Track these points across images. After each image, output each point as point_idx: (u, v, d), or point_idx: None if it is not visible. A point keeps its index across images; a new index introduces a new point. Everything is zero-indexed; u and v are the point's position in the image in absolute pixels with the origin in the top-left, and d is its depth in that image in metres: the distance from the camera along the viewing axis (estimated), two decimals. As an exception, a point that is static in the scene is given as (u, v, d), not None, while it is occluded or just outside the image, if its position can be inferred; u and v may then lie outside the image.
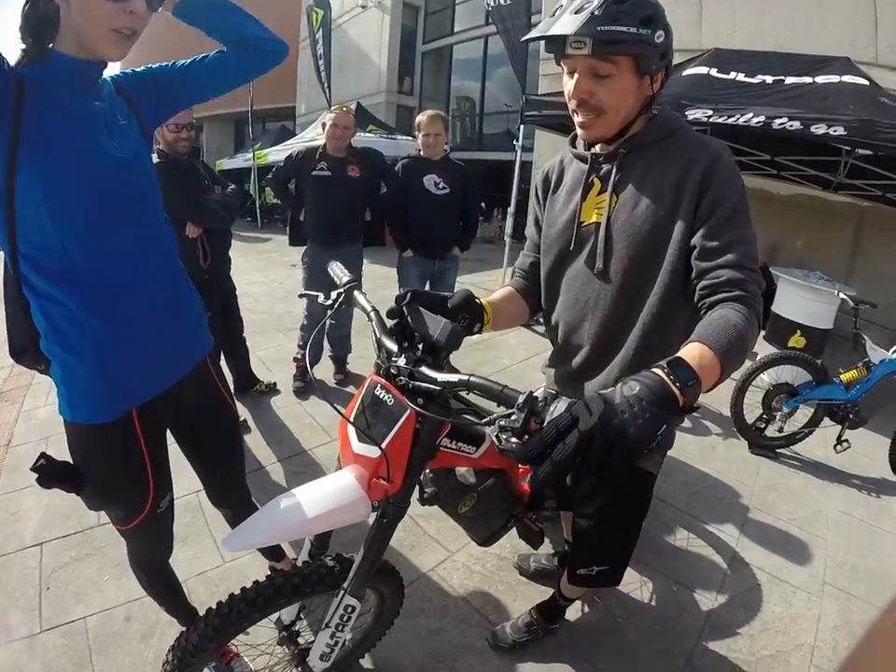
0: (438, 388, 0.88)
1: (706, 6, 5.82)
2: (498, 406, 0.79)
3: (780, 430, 3.05)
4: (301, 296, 1.37)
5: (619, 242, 1.04)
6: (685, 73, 4.02)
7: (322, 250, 2.99)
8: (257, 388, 3.11)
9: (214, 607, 1.01)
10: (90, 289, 0.96)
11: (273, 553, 1.67)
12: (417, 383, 0.91)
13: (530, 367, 3.96)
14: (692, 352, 0.76)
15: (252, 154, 10.11)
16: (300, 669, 1.24)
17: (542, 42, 0.96)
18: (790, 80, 3.46)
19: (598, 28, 0.85)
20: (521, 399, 0.71)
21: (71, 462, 1.06)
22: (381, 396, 0.98)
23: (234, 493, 1.47)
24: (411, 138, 10.39)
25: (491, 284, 6.15)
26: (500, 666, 1.58)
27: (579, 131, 1.05)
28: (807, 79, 3.43)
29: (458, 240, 3.20)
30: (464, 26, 12.33)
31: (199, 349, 1.22)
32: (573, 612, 1.76)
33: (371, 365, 3.40)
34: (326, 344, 3.32)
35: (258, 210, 10.17)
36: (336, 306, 1.14)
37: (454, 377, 0.85)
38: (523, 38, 1.03)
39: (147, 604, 1.59)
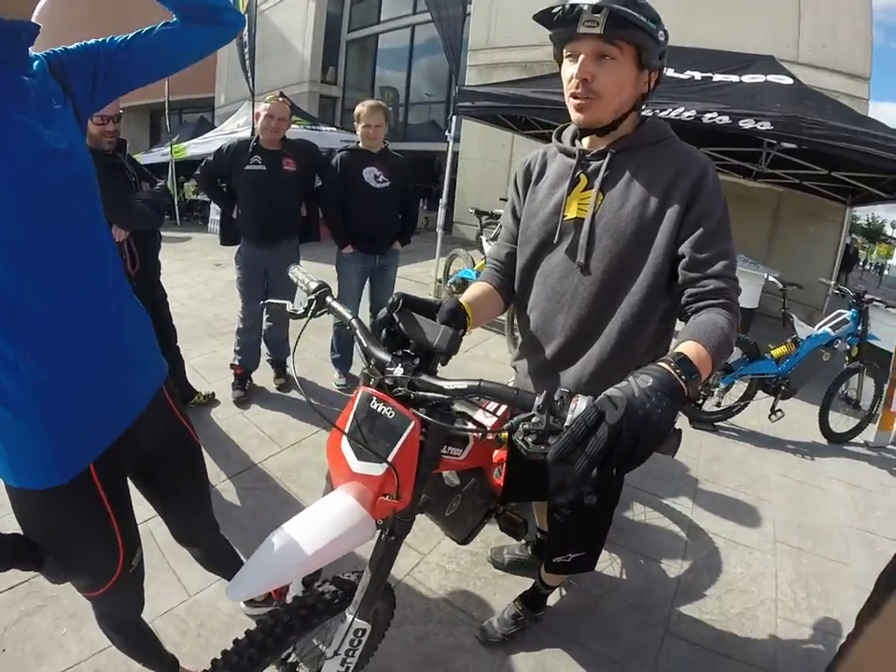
0: (446, 397, 0.85)
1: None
2: (515, 410, 0.78)
3: (718, 405, 3.28)
4: (264, 305, 1.25)
5: (602, 239, 1.06)
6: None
7: (257, 249, 2.82)
8: (195, 401, 2.87)
9: (220, 657, 0.91)
10: (24, 319, 0.78)
11: None
12: (420, 392, 0.87)
13: (471, 358, 4.00)
14: (690, 349, 0.82)
15: (170, 148, 9.37)
16: None
17: (550, 25, 0.98)
18: (717, 77, 3.70)
19: (615, 6, 0.89)
20: (538, 400, 0.71)
21: (21, 534, 0.89)
22: (378, 409, 0.91)
23: (204, 529, 1.32)
24: (334, 128, 10.11)
25: (423, 276, 6.08)
26: (494, 661, 1.58)
27: (573, 114, 1.05)
28: (734, 77, 3.69)
29: (399, 234, 3.11)
30: (390, 15, 12.16)
31: (156, 377, 1.06)
32: (553, 597, 1.79)
33: (310, 367, 3.23)
34: (263, 348, 3.14)
35: (176, 207, 9.47)
36: (310, 315, 1.06)
37: (462, 384, 0.83)
38: (535, 14, 1.01)
39: (114, 653, 1.41)
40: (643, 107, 1.09)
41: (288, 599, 1.04)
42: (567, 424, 0.68)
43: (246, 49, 7.99)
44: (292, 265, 1.20)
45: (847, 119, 3.37)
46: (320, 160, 3.05)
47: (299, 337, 1.05)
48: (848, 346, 3.25)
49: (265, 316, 3.02)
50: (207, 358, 3.55)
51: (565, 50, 1.00)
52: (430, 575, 1.86)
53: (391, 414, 0.89)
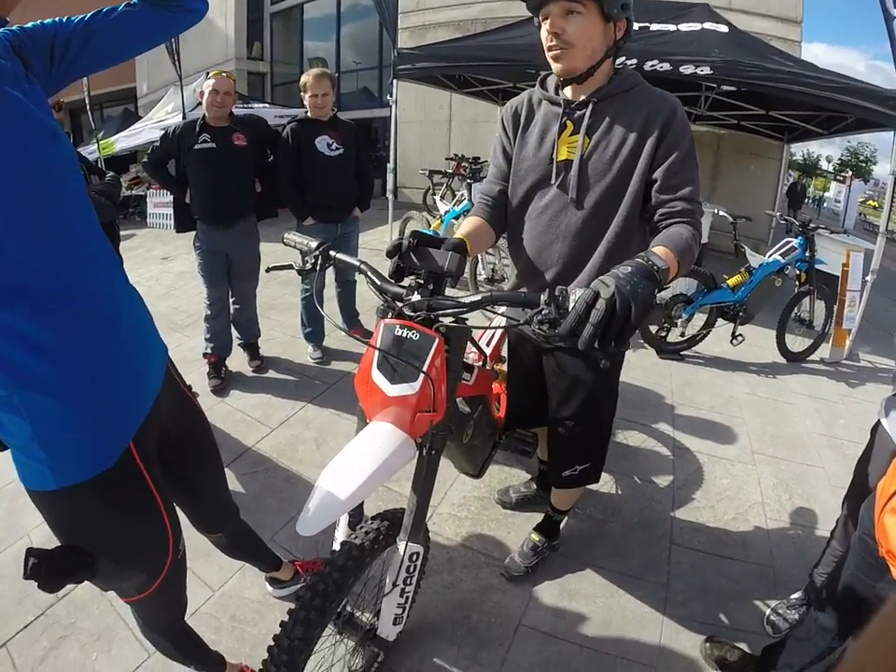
0: (465, 309, 0.96)
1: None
2: (523, 309, 0.93)
3: (682, 335, 3.48)
4: (269, 270, 1.25)
5: (592, 177, 1.21)
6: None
7: (215, 231, 2.71)
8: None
9: (300, 592, 0.96)
10: (46, 298, 0.74)
11: (268, 563, 1.53)
12: (438, 312, 0.98)
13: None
14: (658, 249, 0.99)
15: (97, 145, 8.69)
16: (371, 646, 1.21)
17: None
18: (654, 27, 3.78)
19: None
20: (543, 296, 0.84)
21: (65, 546, 0.84)
22: (403, 335, 0.99)
23: (226, 511, 1.29)
24: (266, 104, 9.69)
25: (377, 243, 5.99)
26: (523, 594, 1.66)
27: (553, 65, 1.18)
28: (671, 27, 3.77)
29: (358, 200, 3.06)
30: (314, -18, 11.58)
31: (162, 353, 1.04)
32: (563, 528, 1.87)
33: (281, 345, 3.19)
34: (233, 332, 3.05)
35: (112, 204, 8.82)
36: (319, 269, 1.13)
37: (477, 296, 0.96)
38: None
39: (149, 667, 1.38)
40: (618, 56, 1.23)
41: (336, 546, 1.06)
42: (570, 308, 0.81)
43: None
44: (285, 233, 1.25)
45: (781, 61, 3.53)
46: (270, 133, 2.93)
47: (312, 292, 1.11)
48: (798, 272, 3.50)
49: (231, 300, 2.94)
50: (176, 353, 3.34)
51: (540, 16, 1.15)
52: (444, 525, 1.92)
53: (416, 336, 0.97)
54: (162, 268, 5.67)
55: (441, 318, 1.01)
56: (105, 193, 2.11)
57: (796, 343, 3.62)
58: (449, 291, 1.10)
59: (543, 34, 1.16)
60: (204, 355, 2.96)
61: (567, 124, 1.23)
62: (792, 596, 1.63)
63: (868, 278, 3.57)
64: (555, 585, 1.69)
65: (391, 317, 1.02)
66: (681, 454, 2.41)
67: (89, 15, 0.90)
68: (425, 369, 0.94)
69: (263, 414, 2.61)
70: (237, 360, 3.08)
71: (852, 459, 2.47)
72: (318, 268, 1.13)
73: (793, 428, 2.73)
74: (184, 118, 7.09)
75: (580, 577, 1.73)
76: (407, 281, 1.08)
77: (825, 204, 24.51)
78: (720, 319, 3.47)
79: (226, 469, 2.15)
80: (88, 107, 8.86)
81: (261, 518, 1.87)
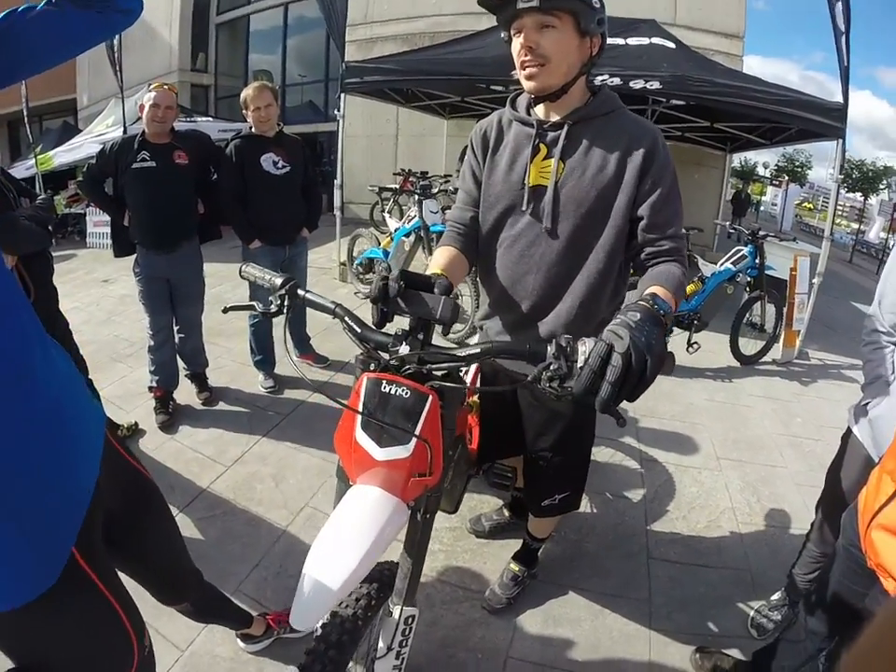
0: (462, 363, 0.88)
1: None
2: (528, 363, 0.83)
3: (638, 346, 3.52)
4: (226, 310, 1.11)
5: (567, 205, 1.14)
6: (503, 34, 4.21)
7: (155, 256, 2.53)
8: (118, 435, 2.56)
9: None
10: None
11: (238, 620, 1.41)
12: (431, 365, 0.88)
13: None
14: (657, 290, 0.94)
15: (35, 159, 8.15)
16: None
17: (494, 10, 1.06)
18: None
19: None
20: (551, 348, 0.78)
21: (17, 666, 0.74)
22: (390, 391, 0.87)
23: (189, 579, 1.17)
24: (210, 118, 9.38)
25: (323, 261, 5.84)
26: (507, 625, 1.60)
27: (525, 83, 1.11)
28: (620, 41, 3.88)
29: (307, 219, 2.93)
30: (262, -7, 11.37)
31: (98, 423, 0.89)
32: (539, 553, 1.82)
33: (230, 374, 3.00)
34: (179, 362, 2.84)
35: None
36: (287, 312, 0.99)
37: (475, 349, 0.87)
38: (479, 0, 1.06)
39: None
40: (591, 73, 1.18)
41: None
42: (579, 364, 0.75)
43: (115, 41, 7.06)
44: (242, 265, 1.11)
45: (728, 76, 3.71)
46: (213, 150, 2.76)
47: (286, 331, 1.01)
48: (749, 278, 3.63)
49: (175, 328, 2.75)
50: (119, 385, 3.16)
51: (512, 30, 1.08)
52: (418, 560, 1.83)
53: (406, 394, 0.86)
54: (103, 291, 5.33)
55: (433, 371, 0.91)
56: (36, 218, 1.93)
57: (749, 346, 3.75)
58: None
59: (515, 48, 1.09)
60: (150, 388, 2.75)
61: (541, 147, 1.16)
62: (773, 597, 1.68)
63: (815, 280, 3.76)
64: (539, 613, 1.65)
65: (375, 370, 0.91)
66: (650, 465, 2.42)
67: (3, 15, 0.76)
68: (418, 431, 0.85)
69: (216, 451, 2.44)
70: (185, 392, 2.88)
71: (813, 456, 2.62)
72: (285, 310, 0.99)
73: (753, 431, 2.80)
74: (125, 132, 6.75)
75: (562, 601, 1.69)
76: (392, 328, 0.97)
77: (762, 208, 25.97)
78: (675, 328, 3.54)
79: (181, 514, 2.05)
80: (26, 119, 8.33)
81: (224, 567, 1.74)
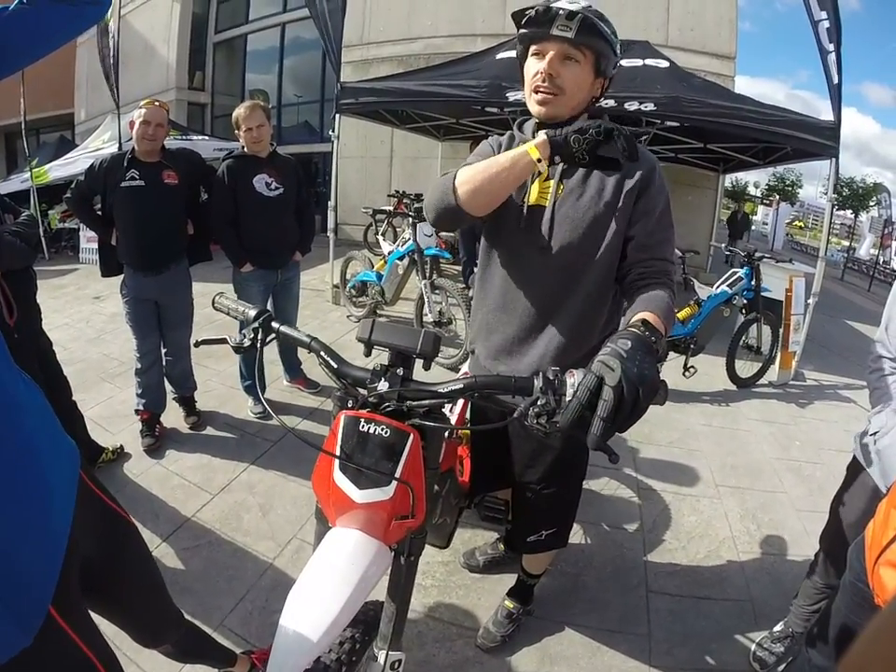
0: (444, 400, 0.84)
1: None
2: (514, 397, 0.81)
3: (634, 370, 3.48)
4: (198, 344, 1.07)
5: (563, 225, 1.14)
6: (498, 57, 4.22)
7: (143, 277, 2.48)
8: (102, 458, 2.47)
9: None
10: None
11: (221, 660, 1.34)
12: (413, 402, 0.84)
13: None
14: (648, 316, 0.93)
15: (30, 173, 8.15)
16: None
17: (524, 24, 1.07)
18: None
19: (589, 15, 1.01)
20: (538, 382, 0.76)
21: None
22: (369, 430, 0.83)
23: (170, 621, 1.12)
24: (206, 137, 9.45)
25: (317, 283, 5.81)
26: (501, 665, 1.54)
27: (535, 107, 1.12)
28: None
29: (299, 243, 2.89)
30: (259, 14, 11.58)
31: (72, 465, 0.83)
32: (535, 588, 1.77)
33: (218, 398, 2.91)
34: (167, 385, 2.79)
35: (42, 239, 8.27)
36: (260, 346, 0.95)
37: (458, 384, 0.83)
38: (512, 12, 1.08)
39: None
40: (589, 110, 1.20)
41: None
42: (568, 398, 0.72)
43: (111, 57, 7.14)
44: (216, 295, 1.07)
45: (721, 97, 3.72)
46: (205, 169, 2.73)
47: (258, 364, 0.95)
48: (745, 301, 3.61)
49: (163, 350, 2.69)
50: (106, 406, 3.10)
51: (532, 48, 1.09)
52: (410, 595, 1.77)
53: (386, 433, 0.83)
54: (94, 308, 5.28)
55: (415, 409, 0.87)
56: (21, 235, 1.89)
57: (745, 368, 3.73)
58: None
59: (530, 68, 1.10)
60: (137, 411, 2.69)
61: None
62: (775, 629, 1.63)
63: (810, 301, 3.75)
64: (534, 651, 1.58)
65: (353, 408, 0.87)
66: (647, 494, 2.37)
67: None
68: (398, 473, 0.81)
69: (203, 478, 2.37)
70: (172, 415, 2.82)
71: (812, 481, 2.58)
72: (259, 344, 0.95)
73: (752, 455, 2.76)
74: (120, 148, 6.76)
75: (559, 638, 1.63)
76: (369, 363, 0.94)
77: (753, 227, 26.28)
78: (671, 352, 3.51)
79: (165, 544, 1.97)
80: (23, 132, 8.35)
81: (208, 600, 1.68)
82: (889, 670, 0.31)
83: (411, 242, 3.99)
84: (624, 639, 1.62)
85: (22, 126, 8.27)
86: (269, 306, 2.88)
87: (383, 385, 0.86)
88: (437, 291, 3.82)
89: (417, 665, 1.51)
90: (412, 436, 0.83)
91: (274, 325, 0.97)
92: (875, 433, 1.24)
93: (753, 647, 1.60)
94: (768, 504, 2.32)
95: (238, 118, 2.57)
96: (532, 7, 1.05)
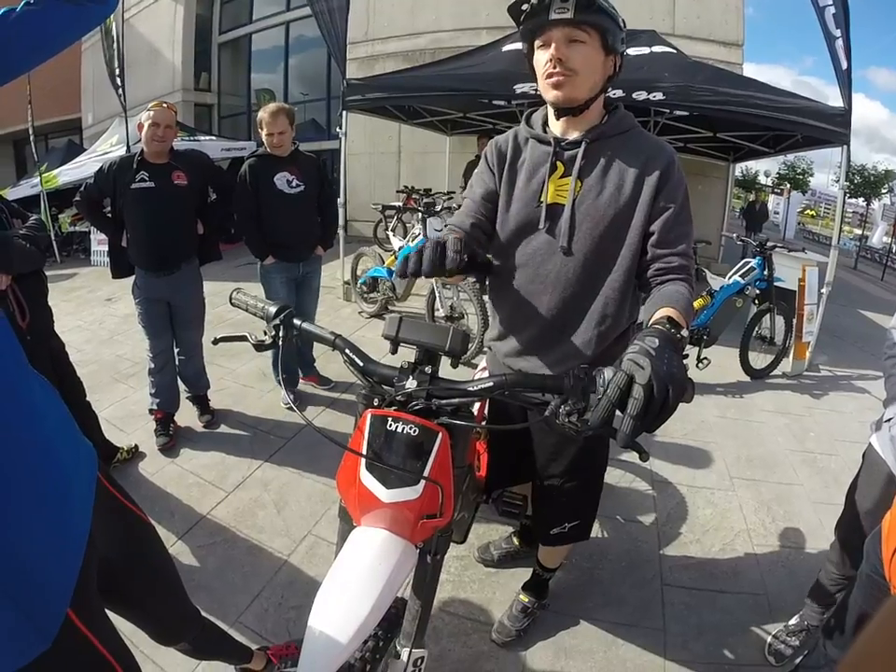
0: (474, 398, 0.84)
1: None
2: (543, 395, 0.80)
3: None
4: (216, 341, 1.05)
5: (584, 223, 1.12)
6: (504, 49, 4.18)
7: (154, 278, 2.51)
8: (118, 458, 2.50)
9: None
10: None
11: (237, 656, 1.36)
12: (441, 400, 0.83)
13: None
14: (670, 312, 0.93)
15: (39, 178, 8.26)
16: None
17: (523, 18, 1.05)
18: None
19: None
20: (567, 381, 0.75)
21: None
22: (396, 429, 0.83)
23: (187, 619, 1.13)
24: (213, 137, 9.48)
25: (328, 279, 5.82)
26: (517, 659, 1.55)
27: (550, 93, 1.08)
28: None
29: (321, 238, 2.95)
30: (263, 13, 11.58)
31: (90, 466, 0.83)
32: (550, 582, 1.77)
33: (232, 396, 2.92)
34: (180, 385, 2.81)
35: (54, 242, 8.37)
36: (282, 343, 0.93)
37: (488, 382, 0.82)
38: (508, 6, 1.05)
39: None
40: (609, 89, 1.17)
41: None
42: (597, 396, 0.71)
43: (116, 61, 7.20)
44: (233, 291, 1.06)
45: (731, 84, 3.64)
46: (213, 170, 2.78)
47: (283, 358, 0.95)
48: (758, 291, 3.56)
49: (176, 350, 2.72)
50: (120, 407, 3.14)
51: (536, 42, 1.07)
52: (424, 590, 1.77)
53: (414, 431, 0.82)
54: (106, 310, 5.33)
55: (443, 407, 0.86)
56: (30, 239, 1.92)
57: (758, 359, 3.69)
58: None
59: (539, 60, 1.08)
60: (151, 411, 2.72)
61: (558, 165, 1.15)
62: (791, 622, 1.62)
63: (824, 290, 3.69)
64: (549, 645, 1.58)
65: (379, 406, 0.86)
66: (661, 487, 2.35)
67: None
68: (427, 472, 0.80)
69: (217, 476, 2.40)
70: (186, 413, 2.85)
71: (828, 472, 2.56)
72: (280, 341, 0.93)
73: (766, 447, 2.73)
74: (128, 150, 6.82)
75: (573, 632, 1.63)
76: (397, 360, 0.92)
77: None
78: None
79: (180, 542, 2.00)
80: (31, 138, 8.45)
81: (224, 598, 1.70)
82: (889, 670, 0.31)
83: (421, 237, 3.99)
84: (640, 632, 1.62)
85: (30, 132, 8.38)
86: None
87: (411, 383, 0.85)
88: (448, 286, 3.82)
89: (433, 659, 1.52)
90: (441, 435, 0.82)
91: (296, 321, 0.96)
92: (889, 419, 1.24)
93: (769, 640, 1.59)
94: (783, 496, 2.30)
95: (262, 120, 2.62)
96: (525, 0, 1.03)
